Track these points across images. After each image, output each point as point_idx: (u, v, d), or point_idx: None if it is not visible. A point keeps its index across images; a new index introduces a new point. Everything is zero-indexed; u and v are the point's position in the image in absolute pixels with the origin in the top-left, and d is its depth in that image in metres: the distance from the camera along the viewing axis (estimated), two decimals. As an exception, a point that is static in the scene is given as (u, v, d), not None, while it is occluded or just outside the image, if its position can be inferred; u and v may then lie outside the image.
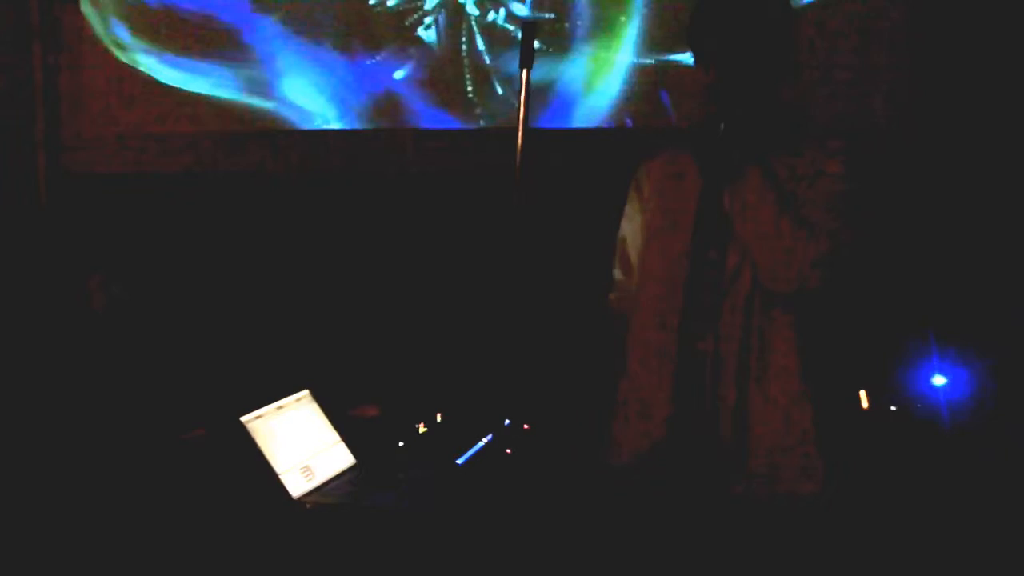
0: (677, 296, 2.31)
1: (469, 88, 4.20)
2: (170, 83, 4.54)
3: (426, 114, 4.27)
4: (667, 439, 2.30)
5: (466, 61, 4.18)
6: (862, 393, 3.23)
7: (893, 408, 3.48)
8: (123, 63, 4.58)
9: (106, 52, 4.60)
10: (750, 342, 2.25)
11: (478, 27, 4.13)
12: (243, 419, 2.67)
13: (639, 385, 2.38)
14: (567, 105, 4.07)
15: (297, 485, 2.65)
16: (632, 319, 2.43)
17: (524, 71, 2.51)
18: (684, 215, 2.34)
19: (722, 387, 2.26)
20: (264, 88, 4.45)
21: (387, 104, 4.31)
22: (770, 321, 2.26)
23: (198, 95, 4.51)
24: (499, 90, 4.17)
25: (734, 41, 2.28)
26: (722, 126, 2.25)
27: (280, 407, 2.82)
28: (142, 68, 4.56)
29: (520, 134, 2.52)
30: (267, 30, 4.43)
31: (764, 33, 2.28)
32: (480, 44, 4.16)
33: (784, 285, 2.23)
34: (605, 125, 4.04)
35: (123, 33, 4.57)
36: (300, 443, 2.77)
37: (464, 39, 4.18)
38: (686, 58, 3.81)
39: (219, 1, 4.47)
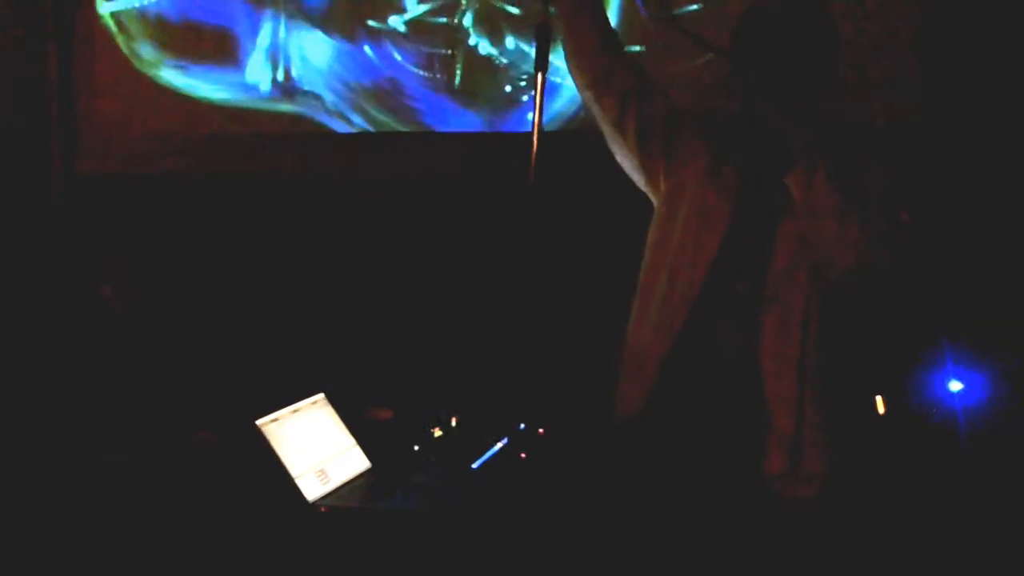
0: (699, 275, 2.31)
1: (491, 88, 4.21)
2: (186, 88, 4.54)
3: (441, 116, 4.27)
4: (660, 387, 2.31)
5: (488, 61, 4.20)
6: (878, 398, 3.22)
7: (909, 413, 3.46)
8: (137, 70, 4.60)
9: (121, 54, 4.61)
10: (805, 344, 2.26)
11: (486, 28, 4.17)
12: (258, 422, 2.67)
13: (638, 343, 2.39)
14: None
15: (312, 488, 2.65)
16: (643, 291, 2.43)
17: (539, 74, 2.51)
18: (722, 209, 2.33)
19: (772, 387, 2.26)
20: (281, 92, 4.45)
21: (401, 107, 4.32)
22: (822, 321, 2.27)
23: (213, 98, 4.51)
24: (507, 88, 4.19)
25: (776, 53, 2.29)
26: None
27: (295, 410, 2.82)
28: (158, 75, 4.57)
29: (535, 137, 2.52)
30: (281, 36, 4.43)
31: (805, 46, 2.29)
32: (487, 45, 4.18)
33: (846, 259, 2.24)
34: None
35: (143, 45, 4.59)
36: (315, 446, 2.77)
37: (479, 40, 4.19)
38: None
39: (235, 11, 4.47)
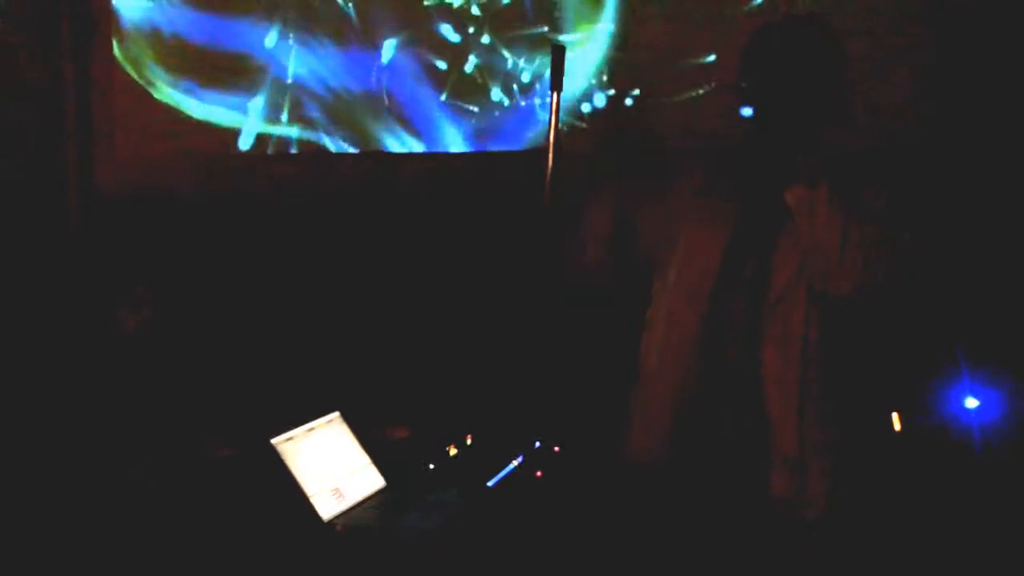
0: (702, 304, 2.31)
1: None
2: (200, 113, 4.57)
3: (434, 129, 4.30)
4: (676, 437, 2.31)
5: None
6: (894, 415, 3.21)
7: (924, 431, 3.45)
8: (153, 90, 4.63)
9: (134, 80, 4.65)
10: (806, 363, 2.25)
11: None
12: (274, 441, 2.68)
13: (652, 384, 2.39)
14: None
15: (327, 507, 2.65)
16: (654, 321, 2.44)
17: (554, 94, 2.52)
18: (719, 229, 2.34)
19: (774, 407, 2.26)
20: (294, 114, 4.47)
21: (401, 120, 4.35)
22: (822, 339, 2.26)
23: (229, 118, 4.54)
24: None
25: (779, 81, 2.29)
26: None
27: (311, 429, 2.82)
28: (173, 101, 4.61)
29: (551, 155, 2.53)
30: (293, 59, 4.46)
31: (810, 74, 2.29)
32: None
33: (844, 285, 2.23)
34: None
35: (156, 69, 4.62)
36: (330, 465, 2.78)
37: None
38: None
39: (250, 38, 4.50)
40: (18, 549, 2.89)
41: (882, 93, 3.71)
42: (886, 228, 2.25)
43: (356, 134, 4.41)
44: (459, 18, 4.23)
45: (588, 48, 4.03)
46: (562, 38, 4.00)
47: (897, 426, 3.26)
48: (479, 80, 4.22)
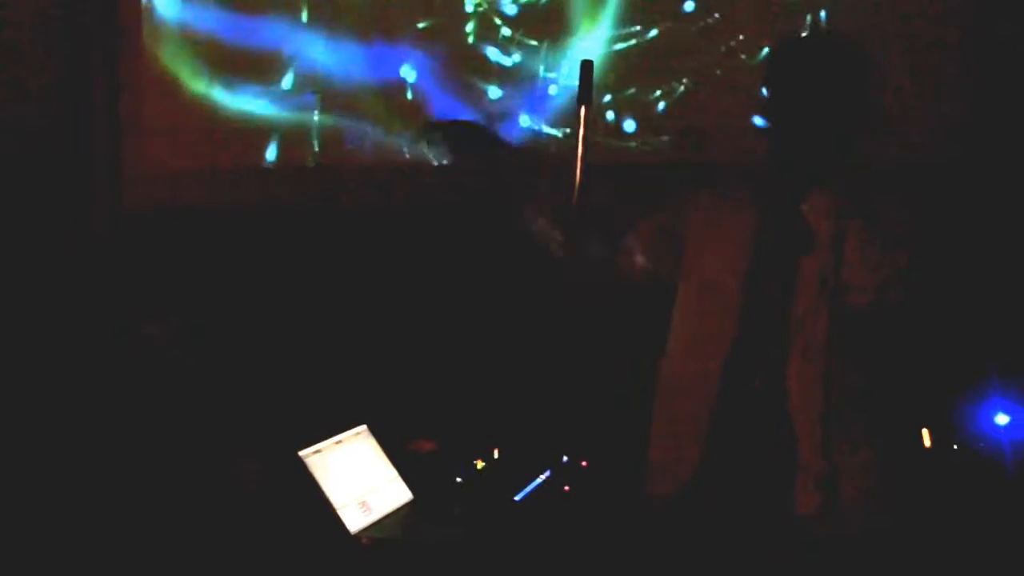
0: (730, 327, 2.31)
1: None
2: (230, 107, 4.59)
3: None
4: (705, 465, 2.30)
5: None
6: (924, 431, 3.19)
7: (955, 447, 3.43)
8: (184, 97, 4.65)
9: (167, 86, 4.67)
10: (830, 379, 2.24)
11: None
12: (301, 453, 2.68)
13: (675, 413, 2.38)
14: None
15: (354, 520, 2.65)
16: (676, 339, 2.43)
17: (582, 107, 2.52)
18: (741, 248, 2.33)
19: (800, 423, 2.25)
20: (319, 106, 4.51)
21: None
22: (847, 354, 2.25)
23: (260, 129, 4.56)
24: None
25: (804, 94, 2.29)
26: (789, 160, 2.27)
27: (338, 441, 2.82)
28: (205, 102, 4.63)
29: (578, 168, 2.52)
30: (318, 52, 4.49)
31: (836, 87, 2.28)
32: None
33: (861, 300, 2.23)
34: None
35: (189, 67, 4.65)
36: (358, 478, 2.78)
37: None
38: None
39: (277, 34, 4.53)
40: (25, 556, 2.91)
41: (922, 109, 3.71)
42: (909, 245, 2.25)
43: (380, 125, 4.43)
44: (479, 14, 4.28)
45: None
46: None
47: (927, 442, 3.24)
48: (494, 68, 4.27)
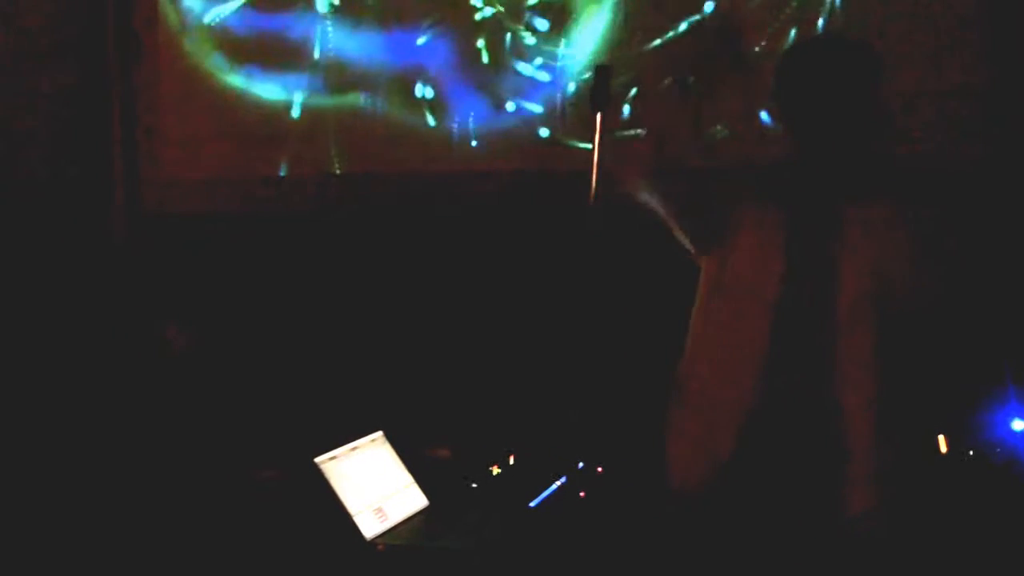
0: (764, 324, 2.30)
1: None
2: (250, 123, 4.60)
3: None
4: (735, 462, 2.30)
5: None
6: (940, 437, 3.18)
7: (971, 453, 3.42)
8: (203, 100, 4.66)
9: (185, 88, 4.69)
10: (879, 382, 2.25)
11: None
12: (317, 460, 2.68)
13: (701, 405, 2.37)
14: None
15: (370, 526, 2.66)
16: (701, 340, 2.42)
17: (598, 114, 2.52)
18: (774, 250, 2.33)
19: (856, 427, 2.25)
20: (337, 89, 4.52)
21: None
22: (888, 359, 2.26)
23: (278, 136, 4.57)
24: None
25: (817, 98, 2.29)
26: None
27: (354, 448, 2.83)
28: (231, 89, 4.64)
29: (594, 176, 2.52)
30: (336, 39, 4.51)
31: (848, 91, 2.29)
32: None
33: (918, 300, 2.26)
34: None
35: (215, 59, 4.67)
36: (373, 484, 2.78)
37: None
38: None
39: (300, 24, 4.54)
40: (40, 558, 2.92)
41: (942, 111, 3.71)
42: (937, 243, 2.27)
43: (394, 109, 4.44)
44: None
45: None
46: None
47: (943, 448, 3.23)
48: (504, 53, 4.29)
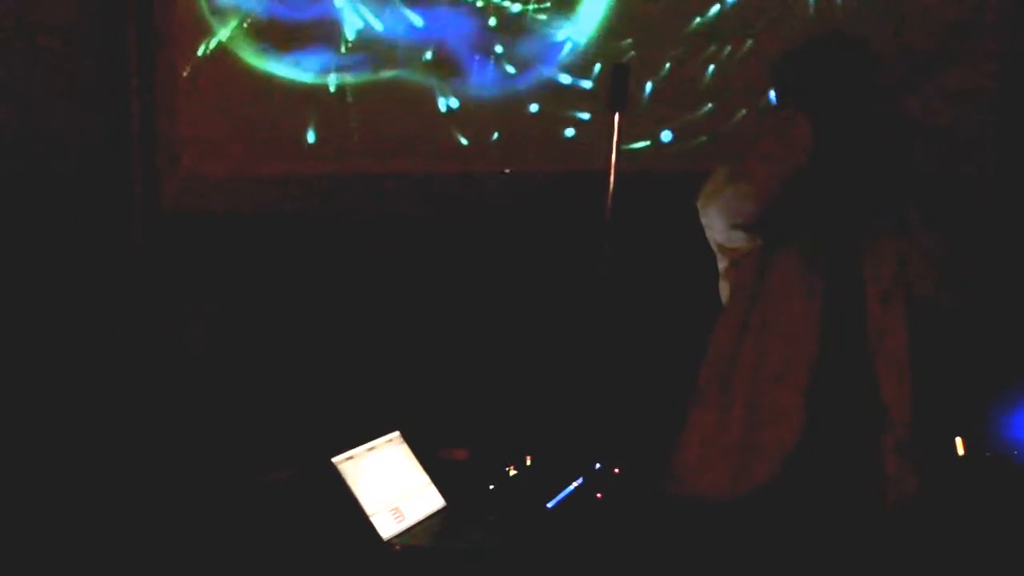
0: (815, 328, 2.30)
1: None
2: (269, 122, 4.61)
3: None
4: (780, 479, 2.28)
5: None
6: (958, 440, 3.17)
7: (988, 455, 3.41)
8: (221, 99, 4.68)
9: (203, 91, 4.70)
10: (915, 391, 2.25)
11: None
12: (334, 460, 2.69)
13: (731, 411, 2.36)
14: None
15: (387, 526, 2.66)
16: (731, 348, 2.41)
17: (616, 114, 2.52)
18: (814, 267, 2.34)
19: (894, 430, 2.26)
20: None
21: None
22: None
23: (298, 137, 4.58)
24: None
25: (828, 87, 2.29)
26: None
27: (371, 448, 2.83)
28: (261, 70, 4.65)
29: (612, 177, 2.53)
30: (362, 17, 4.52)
31: (853, 79, 2.29)
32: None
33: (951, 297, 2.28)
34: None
35: (243, 42, 4.68)
36: (390, 484, 2.78)
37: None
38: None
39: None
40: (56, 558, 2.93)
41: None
42: (957, 242, 2.28)
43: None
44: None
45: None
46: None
47: (961, 451, 3.21)
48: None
